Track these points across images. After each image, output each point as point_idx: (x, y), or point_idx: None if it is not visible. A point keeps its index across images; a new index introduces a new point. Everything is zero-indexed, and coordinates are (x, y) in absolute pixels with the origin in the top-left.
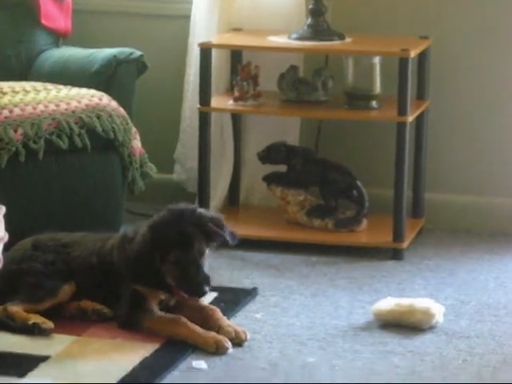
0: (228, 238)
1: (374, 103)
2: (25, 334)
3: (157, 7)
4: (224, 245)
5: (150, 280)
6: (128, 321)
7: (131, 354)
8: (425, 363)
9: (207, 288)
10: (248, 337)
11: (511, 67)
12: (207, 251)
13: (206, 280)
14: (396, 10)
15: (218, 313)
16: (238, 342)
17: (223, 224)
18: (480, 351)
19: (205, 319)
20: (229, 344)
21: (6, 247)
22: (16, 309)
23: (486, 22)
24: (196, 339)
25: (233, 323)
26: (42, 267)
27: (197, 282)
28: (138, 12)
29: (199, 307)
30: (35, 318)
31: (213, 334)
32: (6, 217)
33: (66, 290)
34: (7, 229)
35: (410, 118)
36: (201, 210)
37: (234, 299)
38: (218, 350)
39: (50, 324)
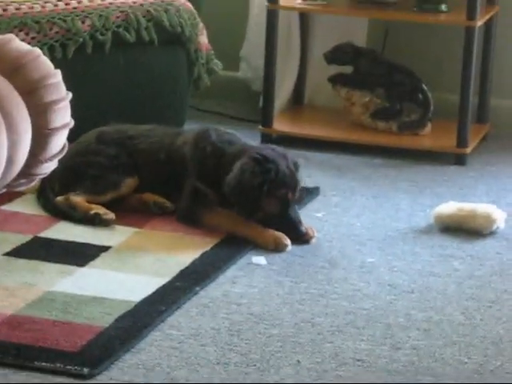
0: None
1: (443, 7)
2: (86, 223)
3: None
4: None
5: (249, 209)
6: (188, 215)
7: (191, 248)
8: (484, 267)
9: (304, 229)
10: (315, 234)
11: None
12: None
13: (300, 221)
14: None
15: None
16: (306, 238)
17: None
18: None
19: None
20: (288, 241)
21: (71, 136)
22: (78, 199)
23: None
24: (255, 236)
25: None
26: (105, 160)
27: (297, 222)
28: None
29: None
30: (97, 209)
31: (272, 231)
32: (73, 107)
33: (129, 183)
34: (73, 118)
35: (479, 23)
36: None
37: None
38: (277, 247)
39: (111, 215)
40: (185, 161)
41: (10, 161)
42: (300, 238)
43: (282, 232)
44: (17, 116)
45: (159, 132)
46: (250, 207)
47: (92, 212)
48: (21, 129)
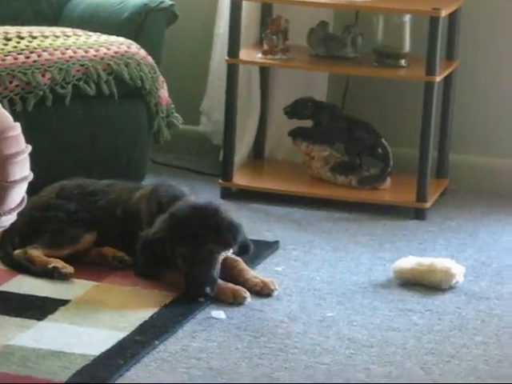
0: (238, 250)
1: (402, 62)
2: (45, 277)
3: None
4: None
5: (158, 264)
6: (144, 271)
7: (150, 302)
8: (443, 322)
9: (208, 289)
10: (276, 286)
11: None
12: (221, 255)
13: (211, 282)
14: None
15: (242, 264)
16: (267, 292)
17: (239, 232)
18: (499, 312)
19: (228, 270)
20: (247, 294)
21: (31, 189)
22: (36, 252)
23: None
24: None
25: (257, 274)
26: (64, 215)
27: (198, 282)
28: None
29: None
30: (55, 262)
31: (230, 284)
32: (32, 160)
33: (88, 238)
34: (32, 171)
35: (438, 78)
36: (223, 213)
37: (255, 251)
38: (235, 300)
39: (70, 268)
40: (140, 216)
41: None
42: (199, 297)
43: (186, 291)
44: None
45: (118, 188)
46: (150, 262)
47: (50, 266)
48: None
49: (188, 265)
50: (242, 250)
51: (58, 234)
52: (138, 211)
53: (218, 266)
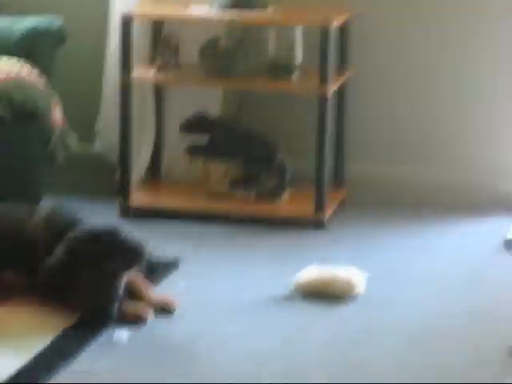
0: (145, 270)
1: (295, 74)
2: None
3: None
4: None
5: (61, 295)
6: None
7: (52, 325)
8: (347, 332)
9: (113, 311)
10: (177, 304)
11: (430, 41)
12: (123, 276)
13: (115, 303)
14: None
15: (143, 283)
16: (168, 310)
17: (142, 253)
18: (402, 320)
19: (130, 290)
20: (149, 314)
21: None
22: None
23: None
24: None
25: (159, 293)
26: None
27: (102, 304)
28: None
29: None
30: None
31: (132, 304)
32: None
33: None
34: None
35: (331, 89)
36: (123, 233)
37: (156, 270)
38: (136, 320)
39: None
40: (36, 242)
41: None
42: (107, 319)
43: (93, 311)
44: None
45: (13, 213)
46: (63, 291)
47: None
48: None
49: (92, 287)
50: (149, 270)
51: None
52: (34, 237)
53: (122, 287)
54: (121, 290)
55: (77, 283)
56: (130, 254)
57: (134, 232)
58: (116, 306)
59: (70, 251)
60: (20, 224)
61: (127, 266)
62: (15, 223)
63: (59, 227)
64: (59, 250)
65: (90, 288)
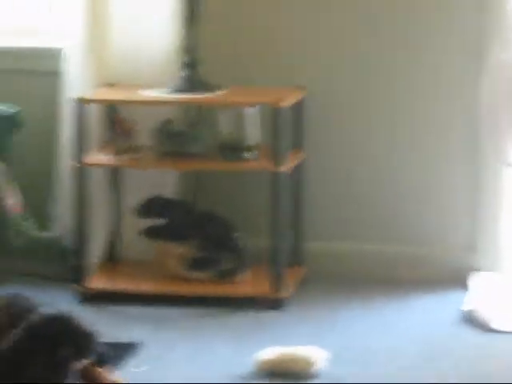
0: (96, 358)
1: (249, 154)
2: None
3: (25, 63)
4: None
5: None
6: None
7: None
8: None
9: None
10: None
11: (383, 118)
12: (75, 364)
13: None
14: (274, 60)
15: (96, 369)
16: None
17: (94, 340)
18: None
19: (83, 376)
20: None
21: None
22: None
23: (360, 72)
24: None
25: (111, 376)
26: None
27: None
28: (6, 68)
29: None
30: None
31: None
32: None
33: None
34: None
35: (285, 168)
36: (75, 320)
37: (115, 354)
38: None
39: None
40: None
41: None
42: None
43: None
44: None
45: None
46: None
47: None
48: None
49: (42, 374)
50: (100, 359)
51: None
52: None
53: (74, 375)
54: (72, 379)
55: (29, 370)
56: (82, 342)
57: (88, 317)
58: None
59: (23, 337)
60: None
61: (79, 354)
62: None
63: (14, 315)
64: (12, 336)
65: (39, 375)
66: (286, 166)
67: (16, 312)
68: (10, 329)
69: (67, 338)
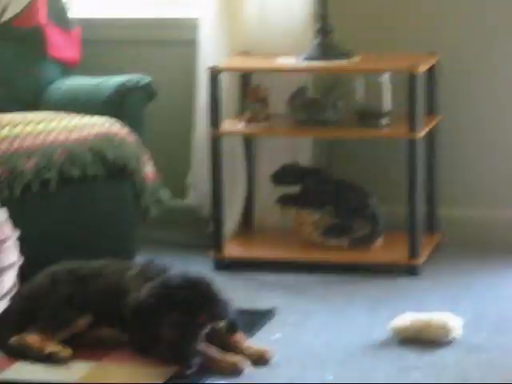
0: (226, 327)
1: (384, 121)
2: (43, 363)
3: (162, 34)
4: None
5: (146, 333)
6: (139, 346)
7: (152, 379)
8: (445, 377)
9: (194, 362)
10: (272, 355)
11: None
12: (206, 329)
13: (196, 354)
14: (404, 25)
15: (237, 335)
16: (263, 361)
17: (227, 309)
18: (500, 364)
19: (224, 342)
20: (244, 365)
21: (22, 274)
22: (32, 339)
23: (494, 34)
24: (211, 363)
25: (253, 344)
26: (58, 301)
27: (185, 352)
28: (144, 39)
29: (218, 330)
30: (52, 347)
31: (227, 357)
32: (22, 244)
33: (82, 322)
34: (22, 255)
35: (421, 134)
36: (215, 287)
37: (251, 321)
38: (233, 373)
39: (67, 352)
40: (130, 296)
41: None
42: (184, 368)
43: (171, 359)
44: None
45: (108, 270)
46: (146, 330)
47: (46, 351)
48: None
49: (175, 335)
50: (230, 328)
51: (52, 319)
52: (129, 293)
53: (203, 340)
54: (202, 343)
55: (160, 326)
56: (217, 308)
57: (224, 285)
58: (197, 357)
59: (161, 291)
60: (115, 282)
61: (213, 319)
62: (111, 281)
63: (150, 276)
64: (148, 288)
65: (174, 335)
66: (422, 132)
67: (151, 275)
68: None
69: (204, 303)
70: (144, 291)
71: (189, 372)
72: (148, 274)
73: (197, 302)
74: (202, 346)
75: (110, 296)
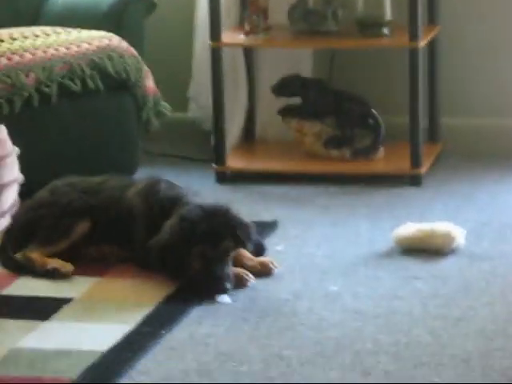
0: (252, 249)
1: (385, 30)
2: (45, 278)
3: None
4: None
5: (174, 270)
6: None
7: (153, 293)
8: (448, 286)
9: (228, 285)
10: (276, 265)
11: None
12: (232, 253)
13: (228, 277)
14: None
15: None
16: (266, 273)
17: (251, 233)
18: (503, 272)
19: (239, 264)
20: (249, 277)
21: (23, 191)
22: (34, 254)
23: None
24: None
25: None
26: (57, 210)
27: (218, 278)
28: None
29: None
30: (54, 263)
31: (233, 269)
32: (22, 162)
33: (81, 227)
34: (23, 173)
35: (422, 43)
36: (234, 212)
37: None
38: (238, 284)
39: (69, 267)
40: (134, 214)
41: None
42: (220, 293)
43: (205, 288)
44: None
45: (109, 185)
46: (175, 266)
47: (49, 267)
48: None
49: (206, 264)
50: (257, 250)
51: (52, 228)
52: (132, 209)
53: (231, 264)
54: (230, 269)
55: (188, 260)
56: (242, 233)
57: (227, 197)
58: (231, 281)
59: (183, 227)
60: (117, 197)
61: (237, 245)
62: (112, 196)
63: (159, 202)
64: (169, 226)
65: (204, 264)
66: (423, 41)
67: (161, 198)
68: (156, 215)
69: (227, 230)
70: (165, 230)
71: (226, 292)
72: (151, 192)
73: (219, 230)
74: (232, 270)
75: (111, 211)
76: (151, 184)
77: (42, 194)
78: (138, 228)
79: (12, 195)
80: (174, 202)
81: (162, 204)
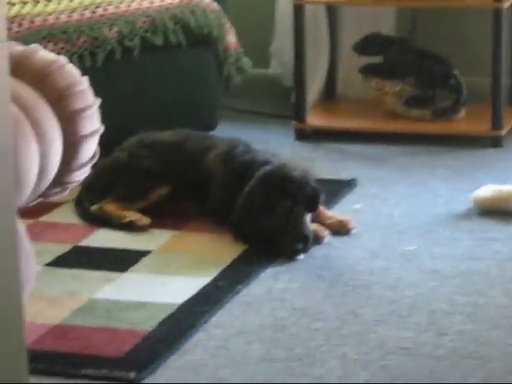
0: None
1: None
2: (122, 230)
3: None
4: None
5: (254, 226)
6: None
7: (230, 248)
8: None
9: (310, 245)
10: (354, 224)
11: None
12: (309, 215)
13: (305, 239)
14: None
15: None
16: (345, 231)
17: (319, 200)
18: None
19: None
20: (326, 233)
21: (103, 143)
22: (111, 207)
23: None
24: None
25: (335, 214)
26: (138, 170)
27: (297, 235)
28: None
29: None
30: (131, 216)
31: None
32: (103, 113)
33: (160, 192)
34: (103, 124)
35: (507, 4)
36: (311, 179)
37: (332, 190)
38: (314, 240)
39: (146, 220)
40: (213, 177)
41: (42, 170)
42: (303, 252)
43: (283, 246)
44: (44, 124)
45: (188, 148)
46: (258, 223)
47: (126, 220)
48: (50, 137)
49: (287, 220)
50: (309, 206)
51: (131, 188)
52: (211, 172)
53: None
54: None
55: (271, 219)
56: (313, 200)
57: (306, 154)
58: (311, 241)
59: (265, 187)
60: (196, 162)
61: (308, 210)
62: (191, 161)
63: (237, 167)
64: (253, 186)
65: (289, 221)
66: (507, 2)
67: (242, 163)
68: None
69: (304, 195)
70: (249, 189)
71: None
72: (229, 157)
73: (298, 196)
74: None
75: (190, 175)
76: (229, 148)
77: (121, 154)
78: (217, 193)
79: (92, 146)
80: (250, 166)
81: (240, 169)
